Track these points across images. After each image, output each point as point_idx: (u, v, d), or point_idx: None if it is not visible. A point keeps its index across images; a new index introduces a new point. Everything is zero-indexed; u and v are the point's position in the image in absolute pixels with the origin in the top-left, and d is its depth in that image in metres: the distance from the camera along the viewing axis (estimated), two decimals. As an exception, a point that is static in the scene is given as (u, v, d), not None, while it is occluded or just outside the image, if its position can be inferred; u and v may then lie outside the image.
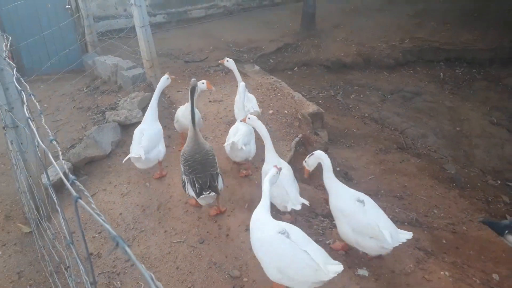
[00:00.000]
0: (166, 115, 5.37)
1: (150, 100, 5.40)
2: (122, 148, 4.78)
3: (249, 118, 3.91)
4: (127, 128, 4.98)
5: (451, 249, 4.17)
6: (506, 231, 1.66)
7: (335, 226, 4.00)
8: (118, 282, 3.08)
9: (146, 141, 3.95)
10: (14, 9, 6.26)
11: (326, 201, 4.46)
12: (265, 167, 3.84)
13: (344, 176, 5.47)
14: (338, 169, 5.63)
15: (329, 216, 4.22)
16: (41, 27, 6.61)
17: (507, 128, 8.00)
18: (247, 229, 3.60)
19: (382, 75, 9.34)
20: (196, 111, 3.96)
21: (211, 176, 3.50)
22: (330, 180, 3.39)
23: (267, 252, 2.64)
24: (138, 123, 5.12)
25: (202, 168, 3.49)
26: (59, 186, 3.80)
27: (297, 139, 5.27)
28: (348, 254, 3.50)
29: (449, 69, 9.69)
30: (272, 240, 2.60)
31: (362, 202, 3.23)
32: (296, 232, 2.69)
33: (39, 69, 5.70)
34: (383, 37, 10.14)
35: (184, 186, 3.60)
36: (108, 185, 4.16)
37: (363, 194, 3.38)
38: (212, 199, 3.53)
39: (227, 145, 4.15)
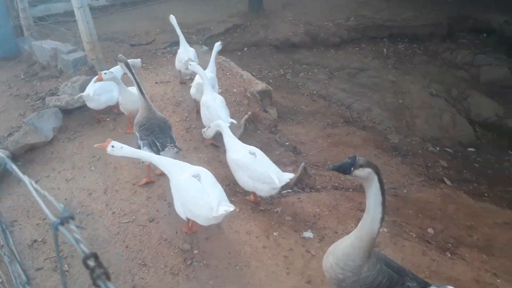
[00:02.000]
0: (111, 99, 5.23)
1: (88, 82, 5.26)
2: (65, 133, 4.63)
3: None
4: (69, 113, 4.82)
5: (392, 210, 4.46)
6: (352, 169, 1.84)
7: (282, 195, 4.17)
8: (66, 266, 3.04)
9: (99, 84, 4.47)
10: None
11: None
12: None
13: (293, 150, 5.63)
14: (287, 144, 5.78)
15: (278, 187, 4.37)
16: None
17: (445, 99, 8.54)
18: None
19: (329, 53, 9.58)
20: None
21: (171, 138, 3.68)
22: (227, 138, 3.81)
23: (179, 192, 3.11)
24: (81, 107, 5.02)
25: (161, 131, 3.67)
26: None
27: (246, 116, 5.34)
28: (294, 220, 3.66)
29: (392, 45, 10.10)
30: (185, 182, 3.07)
31: (253, 154, 3.69)
32: (207, 176, 3.17)
33: None
34: (329, 16, 10.35)
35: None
36: (52, 172, 4.04)
37: (253, 147, 3.85)
38: (173, 156, 3.61)
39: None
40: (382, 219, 2.09)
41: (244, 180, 3.67)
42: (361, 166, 1.96)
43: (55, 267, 3.05)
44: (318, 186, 4.63)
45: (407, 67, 9.25)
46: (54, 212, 0.98)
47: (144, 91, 3.84)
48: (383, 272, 2.17)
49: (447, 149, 7.35)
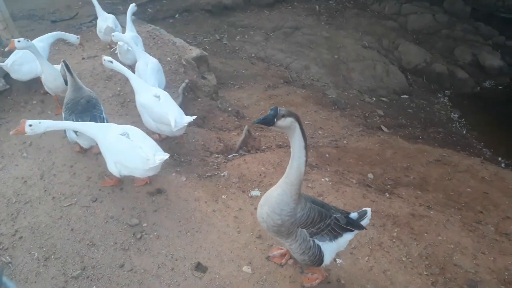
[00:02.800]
0: (34, 80, 4.86)
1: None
2: (-15, 121, 4.28)
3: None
4: (-11, 98, 4.44)
5: (334, 161, 4.68)
6: (275, 120, 2.00)
7: (228, 160, 4.21)
8: (8, 257, 2.90)
9: (20, 53, 4.33)
10: None
11: (219, 139, 4.62)
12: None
13: (236, 114, 5.65)
14: (230, 109, 5.78)
15: (222, 152, 4.40)
16: None
17: (377, 50, 8.89)
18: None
19: (263, 14, 9.51)
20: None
21: (93, 117, 3.52)
22: (133, 81, 3.87)
23: (109, 151, 3.18)
24: (2, 92, 4.64)
25: (83, 109, 3.53)
26: None
27: (184, 84, 5.22)
28: (241, 181, 3.73)
29: (324, 1, 10.22)
30: (113, 140, 3.16)
31: (158, 97, 3.83)
32: (136, 132, 3.28)
33: None
34: (259, -24, 10.18)
35: (65, 132, 3.62)
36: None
37: (160, 90, 4.00)
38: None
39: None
40: (306, 161, 2.25)
41: (147, 121, 3.88)
42: (283, 116, 2.07)
43: (-4, 262, 2.90)
44: (263, 147, 4.71)
45: (340, 22, 9.46)
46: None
47: (70, 69, 3.64)
48: (313, 209, 2.38)
49: (383, 99, 7.74)
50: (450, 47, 8.97)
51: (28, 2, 8.38)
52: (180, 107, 4.88)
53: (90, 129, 3.20)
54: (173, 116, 3.68)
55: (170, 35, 6.49)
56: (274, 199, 2.31)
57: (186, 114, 4.39)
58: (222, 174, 3.85)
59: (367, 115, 6.86)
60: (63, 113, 3.65)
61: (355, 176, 4.33)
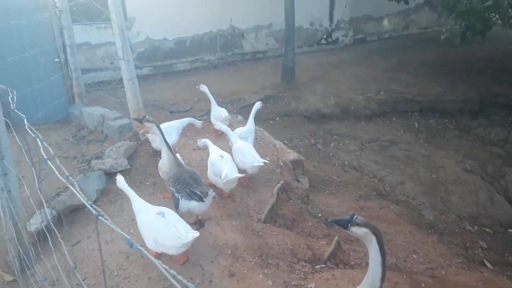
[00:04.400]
0: (152, 163, 5.49)
1: (135, 149, 5.63)
2: (107, 196, 4.83)
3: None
4: (112, 176, 5.06)
5: (431, 293, 4.25)
6: (349, 225, 2.00)
7: (316, 270, 4.09)
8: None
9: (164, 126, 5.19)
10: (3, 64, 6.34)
11: (308, 246, 4.56)
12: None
13: (326, 222, 5.59)
14: (320, 215, 5.76)
15: (310, 261, 4.30)
16: (30, 80, 6.81)
17: (480, 175, 8.38)
18: (231, 275, 3.66)
19: (359, 125, 9.78)
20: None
21: (206, 186, 4.02)
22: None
23: (147, 228, 3.55)
24: (124, 171, 5.28)
25: (195, 182, 4.00)
26: (44, 233, 3.80)
27: (279, 185, 5.43)
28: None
29: (423, 119, 10.23)
30: (151, 218, 3.54)
31: (222, 156, 4.70)
32: (170, 213, 3.64)
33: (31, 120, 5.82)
34: (359, 90, 10.74)
35: (176, 205, 3.97)
36: (93, 233, 4.18)
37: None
38: (212, 201, 4.08)
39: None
40: (383, 278, 2.17)
41: (210, 175, 4.80)
42: (357, 224, 2.12)
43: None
44: (352, 262, 4.52)
45: (440, 142, 9.27)
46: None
47: (171, 149, 4.25)
48: None
49: (486, 229, 7.06)
50: None
51: (154, 93, 9.82)
52: (273, 206, 5.08)
53: (136, 204, 3.67)
54: (226, 170, 4.54)
55: (271, 137, 6.97)
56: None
57: (278, 214, 4.55)
58: (309, 286, 3.72)
59: (468, 245, 6.27)
60: (171, 187, 4.07)
61: (456, 316, 3.85)
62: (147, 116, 4.45)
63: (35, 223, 4.08)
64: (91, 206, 1.37)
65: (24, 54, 5.99)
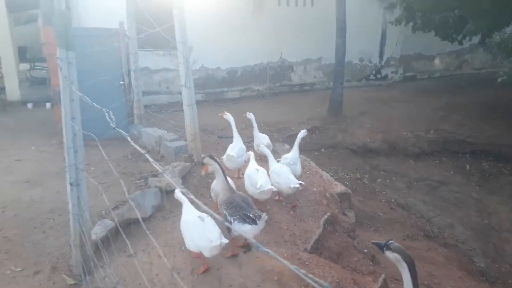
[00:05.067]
0: (203, 184, 5.71)
1: (189, 170, 5.89)
2: (162, 212, 5.07)
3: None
4: (167, 194, 5.32)
5: None
6: (384, 249, 2.12)
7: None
8: None
9: (237, 148, 5.83)
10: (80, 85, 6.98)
11: (354, 281, 4.50)
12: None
13: (371, 258, 5.49)
14: (365, 251, 5.67)
15: (357, 296, 4.24)
16: (99, 101, 7.37)
17: (538, 225, 7.90)
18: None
19: (407, 163, 9.60)
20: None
21: (258, 210, 4.12)
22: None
23: (186, 228, 3.95)
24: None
25: (248, 206, 4.13)
26: (106, 241, 4.07)
27: (325, 217, 5.44)
28: None
29: (475, 162, 9.87)
30: (192, 220, 3.95)
31: (257, 170, 5.09)
32: (209, 220, 3.96)
33: (89, 136, 6.30)
34: (408, 127, 10.60)
35: (229, 228, 4.01)
36: (147, 246, 4.38)
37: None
38: (264, 225, 4.19)
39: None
40: None
41: (247, 184, 5.12)
42: (391, 249, 2.24)
43: None
44: (399, 302, 4.40)
45: (493, 186, 8.88)
46: None
47: (226, 177, 4.44)
48: None
49: (544, 283, 6.58)
50: None
51: (205, 118, 10.18)
52: (319, 237, 5.09)
53: (184, 205, 4.12)
54: (261, 181, 4.93)
55: (317, 167, 7.02)
56: None
57: (324, 246, 4.56)
58: (355, 320, 3.67)
59: (523, 298, 5.88)
60: (224, 211, 4.18)
61: None
62: (211, 154, 4.64)
63: (95, 232, 4.36)
64: (181, 188, 1.52)
65: (98, 77, 6.55)
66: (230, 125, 6.47)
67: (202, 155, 4.72)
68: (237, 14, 12.58)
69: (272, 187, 5.03)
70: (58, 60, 3.39)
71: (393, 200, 8.13)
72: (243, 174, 5.67)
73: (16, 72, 11.77)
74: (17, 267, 3.91)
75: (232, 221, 4.11)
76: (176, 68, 12.56)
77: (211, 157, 4.39)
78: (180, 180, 5.55)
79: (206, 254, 3.86)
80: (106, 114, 2.73)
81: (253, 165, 5.36)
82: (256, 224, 4.10)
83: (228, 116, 6.49)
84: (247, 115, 6.79)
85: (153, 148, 6.85)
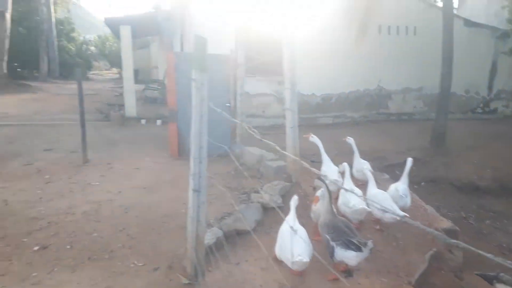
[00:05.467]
0: (301, 204, 5.79)
1: (289, 189, 6.04)
2: (262, 226, 5.27)
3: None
4: (267, 210, 5.53)
5: None
6: (494, 281, 1.90)
7: None
8: None
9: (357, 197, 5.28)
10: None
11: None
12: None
13: (482, 303, 5.00)
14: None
15: None
16: (212, 120, 8.05)
17: None
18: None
19: (522, 205, 8.62)
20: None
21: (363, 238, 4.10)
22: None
23: (279, 235, 4.27)
24: (278, 208, 5.71)
25: (350, 232, 4.09)
26: (214, 248, 4.38)
27: (431, 252, 5.14)
28: None
29: None
30: (284, 230, 4.17)
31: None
32: (302, 232, 4.15)
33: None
34: (523, 166, 9.57)
35: (331, 253, 4.09)
36: (250, 257, 4.59)
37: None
38: (369, 253, 4.09)
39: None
40: None
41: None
42: (503, 282, 2.07)
43: None
44: None
45: None
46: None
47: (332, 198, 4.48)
48: None
49: None
50: None
51: (300, 143, 10.40)
52: (424, 273, 4.83)
53: (289, 215, 4.33)
54: (354, 201, 4.98)
55: (421, 200, 6.68)
56: None
57: (429, 282, 4.33)
58: None
59: None
60: (326, 235, 4.22)
61: None
62: (320, 176, 4.71)
63: (206, 238, 4.69)
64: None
65: (211, 99, 7.14)
66: (326, 152, 6.53)
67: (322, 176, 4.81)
68: (338, 43, 12.78)
69: (366, 207, 4.98)
70: (193, 81, 3.82)
71: (504, 245, 7.32)
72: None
73: (134, 92, 13.32)
74: (139, 262, 4.38)
75: (335, 246, 4.12)
76: (273, 93, 13.14)
77: (321, 179, 4.48)
78: (280, 199, 5.72)
79: (289, 265, 4.05)
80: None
81: (348, 183, 5.40)
82: (361, 251, 4.03)
83: (314, 139, 6.53)
84: (347, 140, 6.79)
85: (253, 166, 7.19)
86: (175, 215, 5.43)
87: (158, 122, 12.47)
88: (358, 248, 4.01)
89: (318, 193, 5.05)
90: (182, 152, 8.55)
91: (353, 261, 4.15)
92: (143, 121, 12.68)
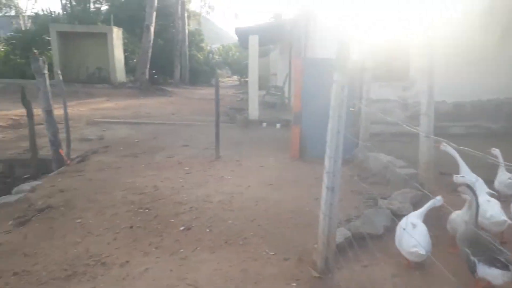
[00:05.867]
0: (433, 215, 5.46)
1: (420, 198, 5.75)
2: (391, 233, 5.10)
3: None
4: (397, 217, 5.32)
5: None
6: None
7: None
8: None
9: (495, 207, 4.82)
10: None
11: None
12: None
13: None
14: None
15: None
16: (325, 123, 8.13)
17: None
18: None
19: None
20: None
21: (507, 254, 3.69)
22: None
23: (398, 227, 4.43)
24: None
25: (496, 248, 3.67)
26: (343, 247, 4.44)
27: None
28: None
29: None
30: (403, 223, 4.33)
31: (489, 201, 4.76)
32: (422, 227, 4.30)
33: (316, 153, 6.92)
34: None
35: (472, 269, 3.79)
36: (379, 261, 4.47)
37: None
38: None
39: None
40: None
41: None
42: None
43: None
44: None
45: None
46: None
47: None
48: None
49: None
50: None
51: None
52: None
53: (418, 211, 4.63)
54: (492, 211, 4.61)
55: None
56: None
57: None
58: None
59: None
60: (465, 249, 3.88)
61: None
62: (468, 183, 4.40)
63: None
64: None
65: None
66: (450, 160, 5.94)
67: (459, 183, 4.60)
68: (477, 46, 11.63)
69: (507, 219, 4.55)
70: (334, 83, 3.97)
71: None
72: None
73: (257, 96, 14.11)
74: (270, 251, 4.65)
75: (476, 262, 3.80)
76: (396, 99, 12.56)
77: (470, 187, 4.16)
78: (411, 207, 5.47)
79: (406, 255, 4.25)
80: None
81: (482, 192, 4.95)
82: (509, 270, 3.67)
83: (447, 148, 5.85)
84: (492, 151, 6.12)
85: (379, 172, 7.00)
86: (300, 212, 5.62)
87: (278, 125, 13.00)
88: (505, 267, 3.64)
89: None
90: (302, 154, 8.78)
91: (498, 280, 3.75)
92: (264, 124, 13.34)
